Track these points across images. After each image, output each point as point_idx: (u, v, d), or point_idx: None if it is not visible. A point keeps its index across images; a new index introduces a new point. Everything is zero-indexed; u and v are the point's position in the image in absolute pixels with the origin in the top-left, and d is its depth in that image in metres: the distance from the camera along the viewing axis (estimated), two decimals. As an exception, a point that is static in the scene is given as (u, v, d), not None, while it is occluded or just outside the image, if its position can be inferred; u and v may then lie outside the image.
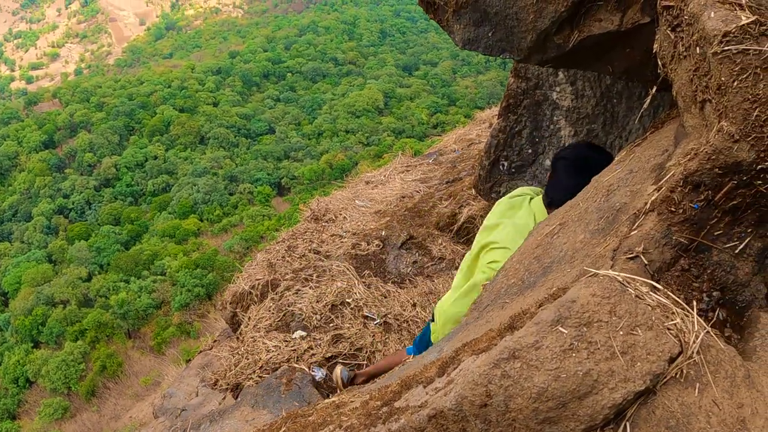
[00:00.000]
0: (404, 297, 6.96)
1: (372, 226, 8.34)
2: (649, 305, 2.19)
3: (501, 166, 7.10)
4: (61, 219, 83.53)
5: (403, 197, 9.35)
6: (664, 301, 2.24)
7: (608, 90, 5.82)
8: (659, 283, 2.35)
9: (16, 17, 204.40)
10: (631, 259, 2.48)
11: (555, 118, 6.30)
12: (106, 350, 54.65)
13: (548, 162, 6.58)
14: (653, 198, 2.62)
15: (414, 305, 6.88)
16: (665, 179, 2.62)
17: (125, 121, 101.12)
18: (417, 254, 7.59)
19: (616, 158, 3.87)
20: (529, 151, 6.65)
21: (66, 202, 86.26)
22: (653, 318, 2.14)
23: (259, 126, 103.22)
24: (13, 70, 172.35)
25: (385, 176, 10.52)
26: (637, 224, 2.62)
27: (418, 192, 9.40)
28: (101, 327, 57.59)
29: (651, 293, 2.25)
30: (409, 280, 7.29)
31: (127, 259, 69.02)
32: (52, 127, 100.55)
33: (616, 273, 2.26)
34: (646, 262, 2.48)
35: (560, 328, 2.12)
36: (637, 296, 2.19)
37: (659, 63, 3.16)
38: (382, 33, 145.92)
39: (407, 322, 6.66)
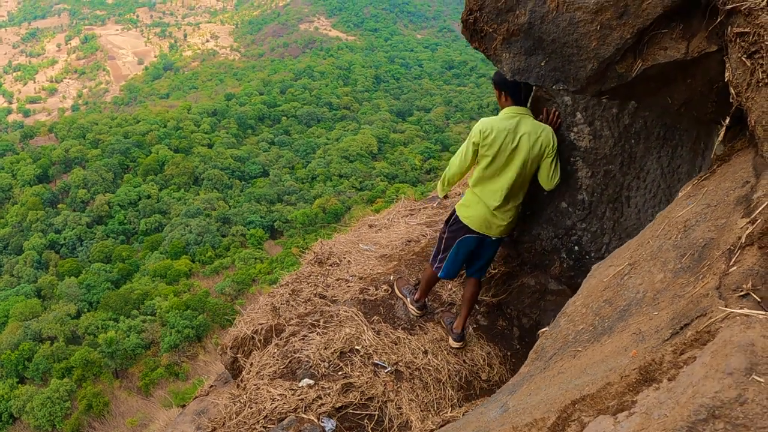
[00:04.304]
0: (415, 344, 6.69)
1: (379, 271, 8.08)
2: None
3: (516, 210, 6.90)
4: (51, 254, 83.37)
5: (410, 241, 9.11)
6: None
7: (626, 130, 5.65)
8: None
9: (16, 50, 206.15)
10: (743, 297, 2.28)
11: (572, 159, 6.11)
12: (93, 389, 54.20)
13: (564, 204, 6.40)
14: (749, 231, 2.44)
15: (425, 352, 6.60)
16: (760, 210, 2.44)
17: (120, 159, 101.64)
18: (426, 299, 7.34)
19: (682, 193, 3.69)
20: (545, 193, 6.46)
21: (58, 237, 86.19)
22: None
23: (253, 168, 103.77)
24: (10, 103, 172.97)
25: (388, 220, 10.28)
26: (734, 259, 2.43)
27: (424, 236, 9.16)
28: (88, 365, 57.08)
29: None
30: (419, 326, 7.02)
31: (117, 297, 68.71)
32: (46, 161, 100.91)
33: (756, 311, 2.05)
34: (758, 299, 2.27)
35: (756, 377, 1.88)
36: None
37: (732, 92, 3.00)
38: (377, 79, 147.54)
39: (419, 369, 6.38)
